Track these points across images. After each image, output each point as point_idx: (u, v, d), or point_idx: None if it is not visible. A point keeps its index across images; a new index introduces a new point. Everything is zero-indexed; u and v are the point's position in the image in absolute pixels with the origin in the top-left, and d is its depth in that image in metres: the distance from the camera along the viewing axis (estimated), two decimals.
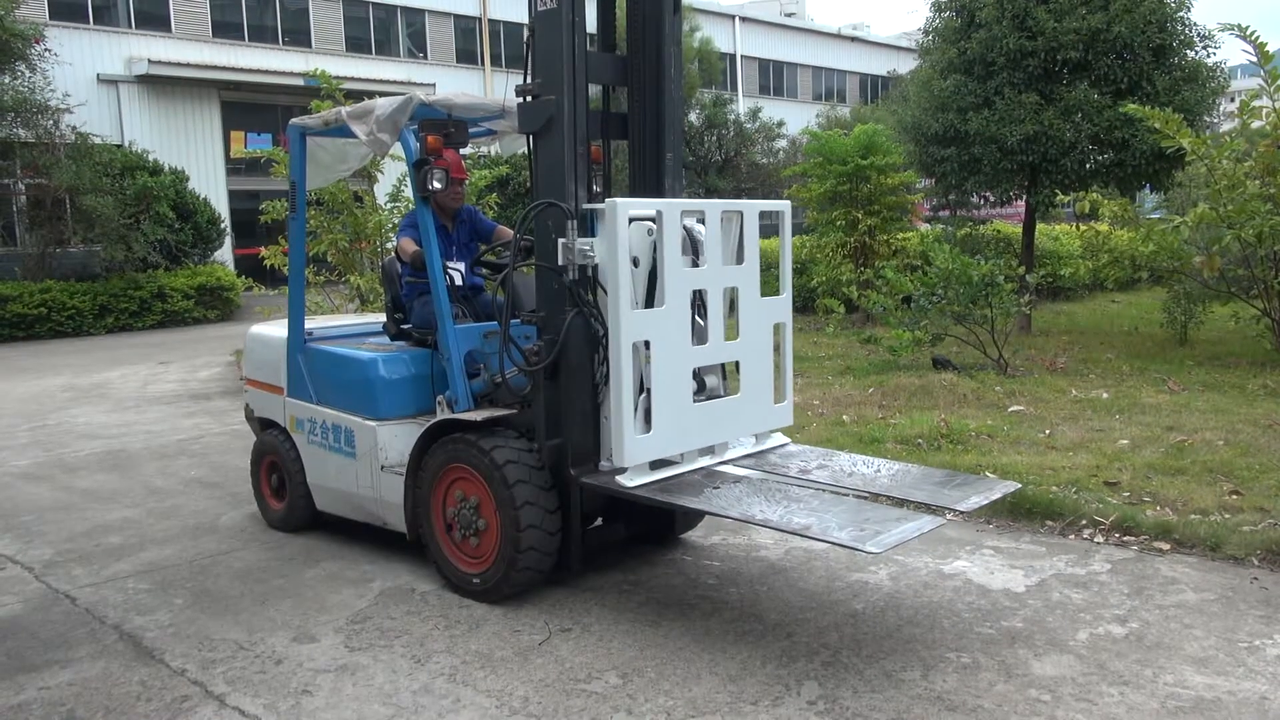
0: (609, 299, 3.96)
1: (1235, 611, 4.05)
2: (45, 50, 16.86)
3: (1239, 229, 8.98)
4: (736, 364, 4.42)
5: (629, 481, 4.04)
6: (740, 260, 4.37)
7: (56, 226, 17.64)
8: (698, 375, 4.36)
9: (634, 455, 4.02)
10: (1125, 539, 4.91)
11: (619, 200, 3.80)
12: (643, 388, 4.13)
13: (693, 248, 4.34)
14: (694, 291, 4.21)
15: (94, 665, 3.87)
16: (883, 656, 3.73)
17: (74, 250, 18.09)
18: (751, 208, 4.41)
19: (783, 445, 4.69)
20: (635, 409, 4.05)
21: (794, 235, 17.36)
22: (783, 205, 4.62)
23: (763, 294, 4.47)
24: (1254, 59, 9.57)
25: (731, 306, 4.39)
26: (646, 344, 4.03)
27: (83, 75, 20.98)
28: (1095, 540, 4.95)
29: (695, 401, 4.28)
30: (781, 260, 4.58)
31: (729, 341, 4.34)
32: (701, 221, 4.28)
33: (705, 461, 4.36)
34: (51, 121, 16.70)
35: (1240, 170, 9.34)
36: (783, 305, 4.59)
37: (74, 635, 4.18)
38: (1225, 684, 3.45)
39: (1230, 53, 78.35)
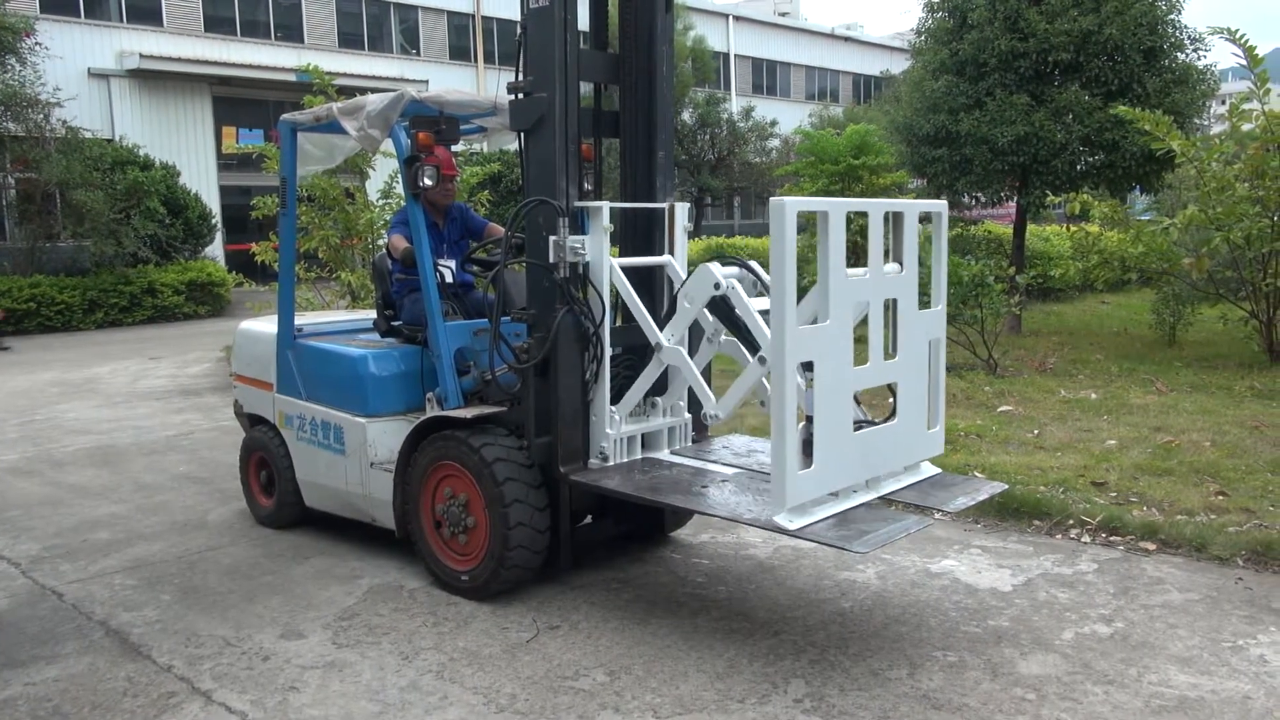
0: (772, 313, 3.46)
1: (1220, 611, 4.08)
2: (36, 44, 16.77)
3: (1228, 231, 9.02)
4: (890, 387, 3.98)
5: (790, 523, 3.52)
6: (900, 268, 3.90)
7: (46, 221, 17.57)
8: None
9: (797, 494, 3.50)
10: (1112, 539, 4.94)
11: (787, 200, 3.38)
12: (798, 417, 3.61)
13: (726, 305, 4.05)
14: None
15: (80, 661, 3.86)
16: (870, 655, 3.74)
17: (64, 245, 18.01)
18: (911, 208, 3.96)
19: (935, 475, 4.21)
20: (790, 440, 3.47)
21: None
22: (939, 205, 4.21)
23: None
24: (1244, 62, 9.61)
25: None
26: (808, 365, 3.55)
27: (73, 69, 20.87)
28: (1082, 540, 4.98)
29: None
30: (935, 267, 4.16)
31: (887, 361, 3.87)
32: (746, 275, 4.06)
33: (863, 497, 3.85)
34: (42, 115, 16.60)
35: (1229, 173, 9.39)
36: (938, 319, 4.14)
37: (61, 631, 4.17)
38: (1209, 683, 3.47)
39: (1220, 56, 78.85)
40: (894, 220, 3.90)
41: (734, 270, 4.14)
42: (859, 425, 3.82)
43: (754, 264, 4.26)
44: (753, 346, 4.00)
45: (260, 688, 3.60)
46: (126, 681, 3.68)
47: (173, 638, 4.05)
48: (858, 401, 3.96)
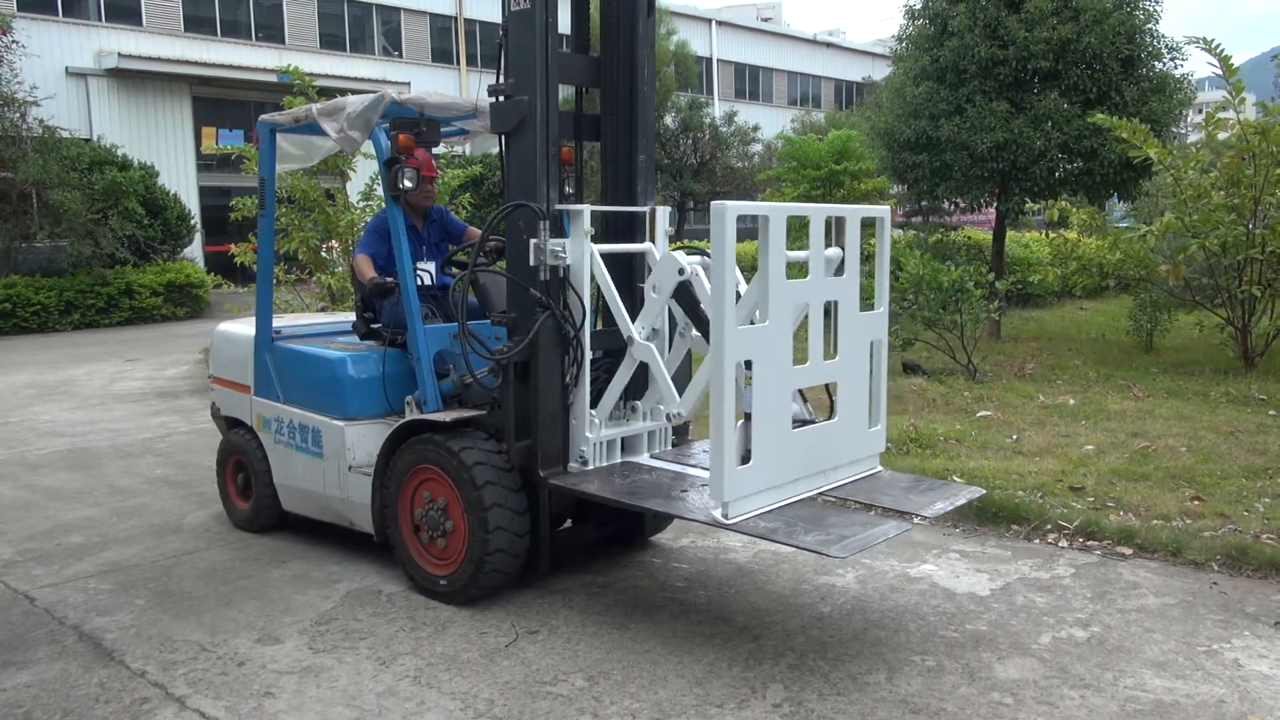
0: (713, 312, 3.60)
1: (1195, 616, 4.11)
2: (13, 42, 16.62)
3: (1204, 238, 9.13)
4: (827, 386, 4.07)
5: (726, 517, 3.64)
6: (841, 271, 4.02)
7: (22, 221, 17.37)
8: None
9: (734, 490, 3.62)
10: (1089, 544, 4.97)
11: (727, 204, 3.51)
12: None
13: (691, 298, 4.14)
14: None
15: (52, 666, 3.81)
16: (848, 659, 3.75)
17: (40, 245, 17.83)
18: (853, 213, 4.06)
19: (876, 472, 4.34)
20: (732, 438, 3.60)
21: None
22: (882, 210, 4.24)
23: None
24: (1219, 72, 9.72)
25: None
26: (747, 364, 3.63)
27: (51, 68, 20.68)
28: (1059, 545, 5.00)
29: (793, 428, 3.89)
30: (878, 271, 4.23)
31: (827, 361, 3.97)
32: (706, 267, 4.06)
33: (803, 493, 3.95)
34: (18, 114, 16.45)
35: (1205, 181, 9.49)
36: (880, 321, 4.25)
37: (33, 636, 4.11)
38: (1184, 687, 3.49)
39: (1197, 65, 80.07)
40: (837, 225, 4.06)
41: (698, 259, 4.20)
42: (800, 424, 3.97)
43: (694, 264, 4.27)
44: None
45: (235, 694, 3.57)
46: (99, 687, 3.63)
47: (147, 643, 4.01)
48: (804, 401, 4.13)
